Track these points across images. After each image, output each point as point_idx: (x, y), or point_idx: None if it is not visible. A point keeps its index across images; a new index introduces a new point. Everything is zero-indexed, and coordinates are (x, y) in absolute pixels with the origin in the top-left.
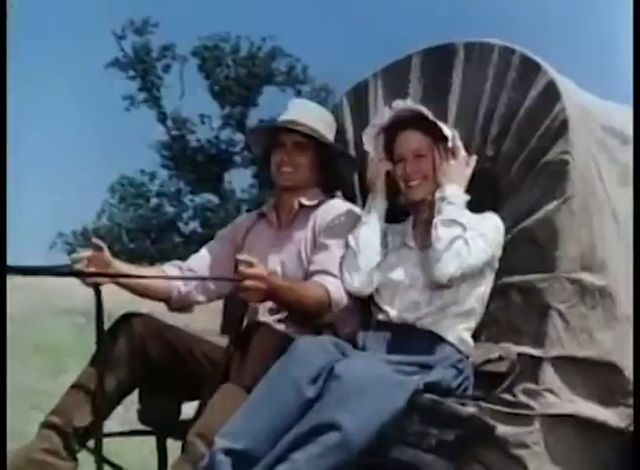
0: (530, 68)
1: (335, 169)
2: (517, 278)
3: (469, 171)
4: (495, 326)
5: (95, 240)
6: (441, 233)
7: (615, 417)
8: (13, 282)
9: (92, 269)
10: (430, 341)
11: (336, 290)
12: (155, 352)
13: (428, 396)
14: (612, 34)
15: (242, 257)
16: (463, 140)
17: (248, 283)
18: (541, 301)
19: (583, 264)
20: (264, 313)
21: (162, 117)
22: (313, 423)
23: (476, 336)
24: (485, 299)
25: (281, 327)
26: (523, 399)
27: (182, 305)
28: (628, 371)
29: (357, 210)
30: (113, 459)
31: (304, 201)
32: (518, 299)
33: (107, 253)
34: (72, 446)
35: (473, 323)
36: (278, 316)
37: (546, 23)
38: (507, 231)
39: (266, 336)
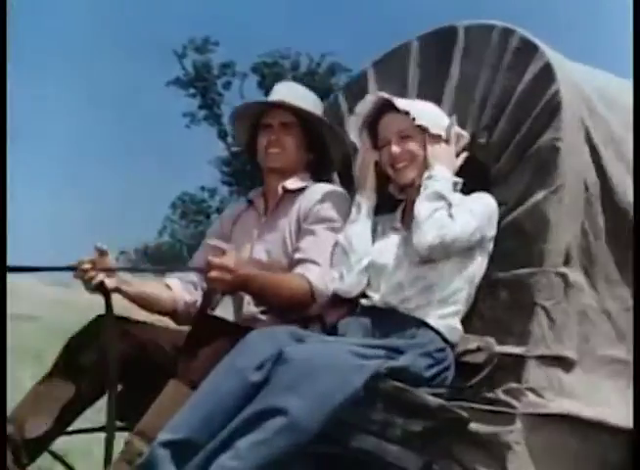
0: (528, 50)
1: (324, 150)
2: (504, 274)
3: (458, 162)
4: (481, 323)
5: (99, 245)
6: (422, 205)
7: (608, 415)
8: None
9: (94, 273)
10: (412, 326)
11: (319, 280)
12: (125, 353)
13: (391, 382)
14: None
15: (212, 242)
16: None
17: (212, 274)
18: (528, 297)
19: (566, 258)
20: (250, 304)
21: (223, 134)
22: (258, 408)
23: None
24: (476, 282)
25: (264, 318)
26: (503, 397)
27: (190, 316)
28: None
29: (342, 190)
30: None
31: (289, 185)
32: (504, 295)
33: (109, 258)
34: (22, 460)
35: (461, 307)
36: (262, 308)
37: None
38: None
39: (218, 330)
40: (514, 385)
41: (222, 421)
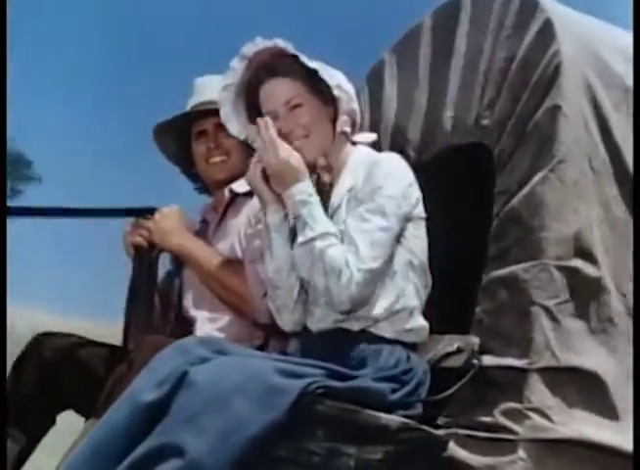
0: (529, 7)
1: None
2: (503, 271)
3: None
4: (480, 332)
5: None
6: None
7: (622, 438)
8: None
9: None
10: (363, 342)
11: (256, 280)
12: (68, 379)
13: (332, 403)
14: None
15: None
16: (463, 111)
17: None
18: (525, 296)
19: (577, 248)
20: (204, 323)
21: None
22: (153, 445)
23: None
24: (418, 261)
25: (220, 335)
26: (502, 421)
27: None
28: (613, 385)
29: None
30: None
31: (237, 188)
32: (504, 296)
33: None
34: None
35: (414, 302)
36: (217, 325)
37: None
38: (497, 215)
39: (147, 350)
40: (514, 405)
41: (114, 455)
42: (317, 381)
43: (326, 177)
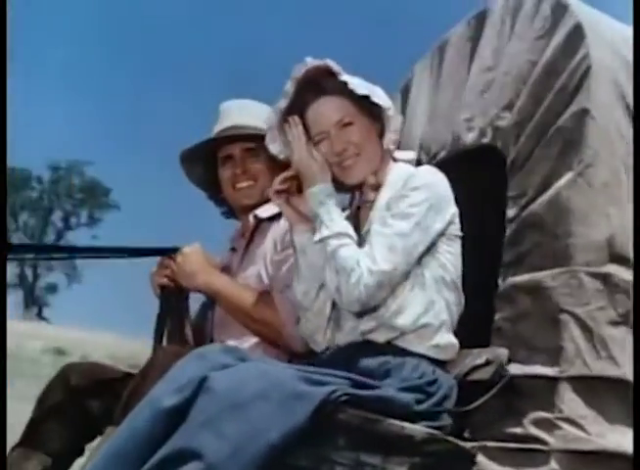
0: (558, 11)
1: None
2: (523, 277)
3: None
4: (500, 340)
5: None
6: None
7: None
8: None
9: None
10: (389, 354)
11: (289, 311)
12: (95, 407)
13: (355, 411)
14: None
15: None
16: (479, 112)
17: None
18: (552, 304)
19: (612, 253)
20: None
21: None
22: (170, 450)
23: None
24: (451, 279)
25: (258, 352)
26: (533, 431)
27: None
28: None
29: None
30: None
31: (261, 213)
32: (526, 303)
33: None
34: None
35: (445, 317)
36: (254, 340)
37: None
38: (512, 219)
39: (165, 359)
40: (545, 414)
41: (134, 461)
42: (341, 388)
43: (371, 195)
